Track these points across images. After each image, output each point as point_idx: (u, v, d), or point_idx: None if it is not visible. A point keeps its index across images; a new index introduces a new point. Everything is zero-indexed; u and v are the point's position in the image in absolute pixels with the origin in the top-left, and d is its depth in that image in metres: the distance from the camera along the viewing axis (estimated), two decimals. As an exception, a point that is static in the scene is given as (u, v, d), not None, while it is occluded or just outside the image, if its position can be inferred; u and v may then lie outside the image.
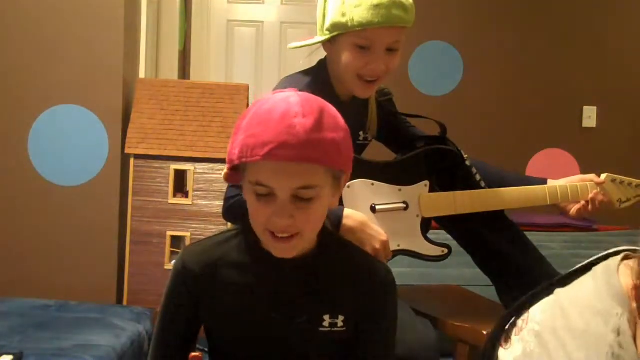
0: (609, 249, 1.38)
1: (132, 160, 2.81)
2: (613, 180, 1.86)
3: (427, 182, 1.75)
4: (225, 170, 1.26)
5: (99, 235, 2.85)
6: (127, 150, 2.80)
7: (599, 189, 1.82)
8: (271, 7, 4.85)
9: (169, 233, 2.80)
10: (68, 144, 2.84)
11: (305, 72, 1.74)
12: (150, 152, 2.80)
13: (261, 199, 1.15)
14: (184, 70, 4.33)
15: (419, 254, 1.75)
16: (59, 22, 2.84)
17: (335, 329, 1.25)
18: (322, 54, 1.75)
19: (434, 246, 1.75)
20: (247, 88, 2.98)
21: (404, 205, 1.73)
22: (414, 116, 1.90)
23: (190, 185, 2.82)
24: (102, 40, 2.85)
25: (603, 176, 1.86)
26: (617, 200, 1.87)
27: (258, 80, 4.71)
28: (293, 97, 1.16)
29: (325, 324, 1.25)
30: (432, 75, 4.09)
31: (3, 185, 2.86)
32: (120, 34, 2.85)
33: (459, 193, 1.76)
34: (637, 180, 1.90)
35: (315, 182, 1.14)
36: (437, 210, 1.76)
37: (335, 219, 1.52)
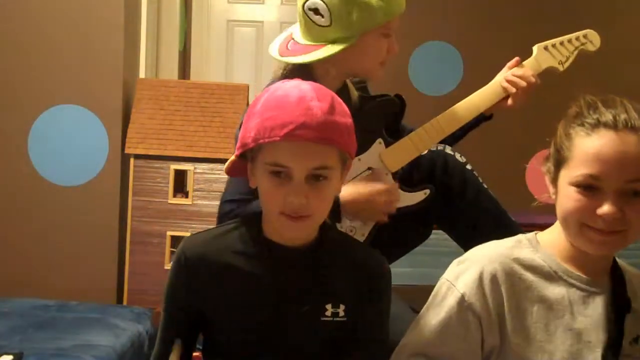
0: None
1: (132, 160, 2.81)
2: (545, 48, 1.90)
3: (380, 140, 1.76)
4: (228, 163, 1.28)
5: (99, 235, 2.85)
6: (127, 150, 2.80)
7: (522, 68, 1.90)
8: (271, 7, 4.85)
9: (169, 233, 2.80)
10: (68, 144, 2.84)
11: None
12: (150, 152, 2.80)
13: (276, 180, 1.18)
14: (184, 70, 4.33)
15: (407, 206, 1.74)
16: (59, 22, 2.84)
17: (337, 318, 1.27)
18: None
19: (416, 192, 1.75)
20: (247, 88, 2.98)
21: (370, 171, 1.74)
22: (377, 97, 1.87)
23: (190, 185, 2.82)
24: (102, 40, 2.85)
25: (534, 48, 1.91)
26: (559, 63, 1.92)
27: (258, 80, 4.70)
28: (304, 84, 1.21)
29: (328, 313, 1.27)
30: (432, 75, 4.08)
31: (3, 185, 2.86)
32: (120, 33, 2.85)
33: (412, 134, 1.77)
34: (567, 36, 1.91)
35: (329, 163, 1.19)
36: (402, 159, 1.76)
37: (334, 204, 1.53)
